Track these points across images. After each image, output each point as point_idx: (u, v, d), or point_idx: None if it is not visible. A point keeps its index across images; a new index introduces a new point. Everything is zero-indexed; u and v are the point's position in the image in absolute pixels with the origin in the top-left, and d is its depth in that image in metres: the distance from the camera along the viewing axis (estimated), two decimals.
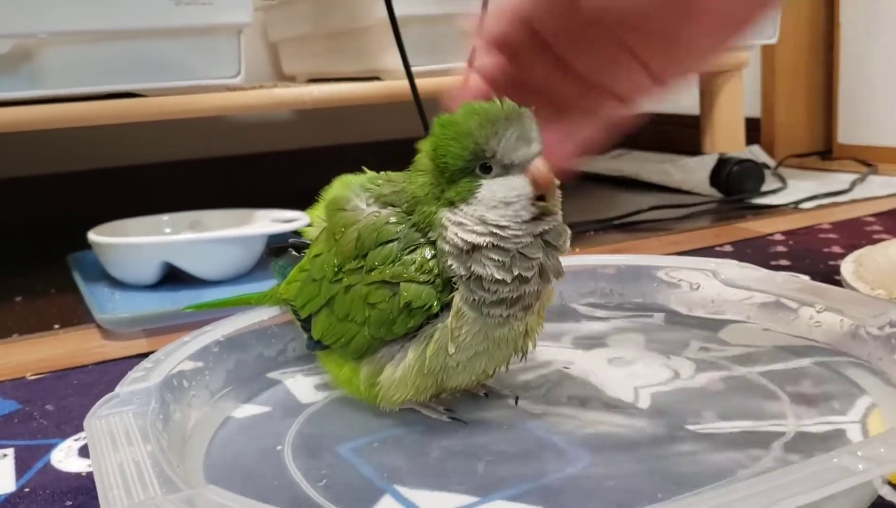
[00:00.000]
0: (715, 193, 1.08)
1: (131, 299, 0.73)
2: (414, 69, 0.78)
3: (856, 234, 0.86)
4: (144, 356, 0.45)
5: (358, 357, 0.42)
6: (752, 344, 0.51)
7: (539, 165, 0.37)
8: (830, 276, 0.67)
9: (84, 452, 0.45)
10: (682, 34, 0.40)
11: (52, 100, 0.74)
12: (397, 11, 0.77)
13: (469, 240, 0.38)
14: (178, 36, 0.78)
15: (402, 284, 0.39)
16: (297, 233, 0.52)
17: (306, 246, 0.48)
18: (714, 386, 0.45)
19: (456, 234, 0.38)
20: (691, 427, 0.41)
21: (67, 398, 0.53)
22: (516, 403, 0.44)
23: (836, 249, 0.80)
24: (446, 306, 0.39)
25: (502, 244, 0.38)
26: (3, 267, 0.92)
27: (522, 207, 0.38)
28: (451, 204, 0.39)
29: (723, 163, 1.07)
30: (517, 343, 0.42)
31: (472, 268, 0.38)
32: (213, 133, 1.19)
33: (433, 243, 0.39)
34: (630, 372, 0.48)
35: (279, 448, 0.41)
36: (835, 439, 0.39)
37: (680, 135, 1.44)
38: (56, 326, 0.70)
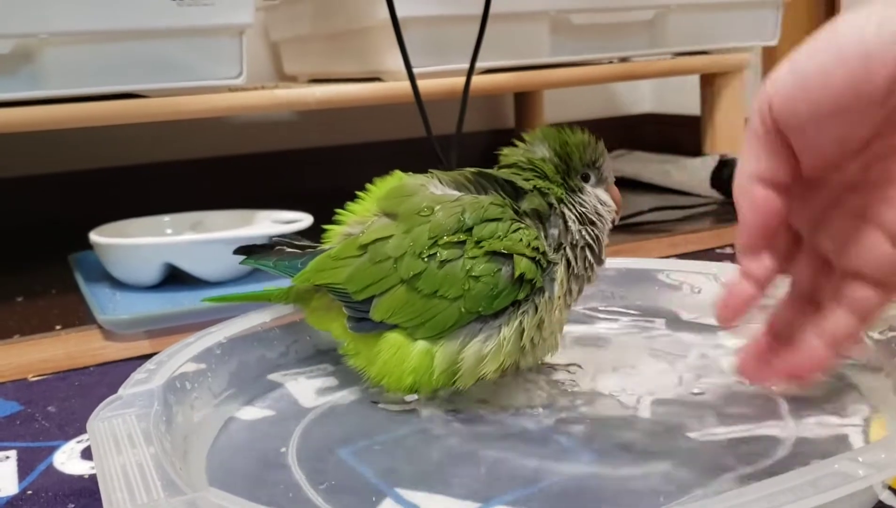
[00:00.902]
0: (716, 194, 1.08)
1: (132, 300, 0.73)
2: (415, 70, 0.79)
3: None
4: (146, 357, 0.45)
5: (436, 335, 0.42)
6: None
7: (617, 189, 0.47)
8: None
9: (86, 454, 0.45)
10: None
11: (53, 100, 0.73)
12: (399, 12, 0.77)
13: (590, 217, 0.45)
14: (180, 36, 0.78)
15: (515, 257, 0.42)
16: (277, 235, 0.53)
17: (290, 244, 0.50)
18: (715, 391, 0.45)
19: (582, 210, 0.45)
20: (692, 432, 0.41)
21: (69, 400, 0.54)
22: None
23: None
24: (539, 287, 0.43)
25: (600, 234, 0.45)
26: (5, 267, 0.92)
27: (608, 212, 0.46)
28: (574, 191, 0.45)
29: (724, 164, 1.07)
30: (560, 332, 0.46)
31: (586, 237, 0.44)
32: (214, 133, 1.19)
33: (543, 225, 0.44)
34: (631, 376, 0.48)
35: (283, 450, 0.41)
36: (836, 444, 0.39)
37: (681, 136, 1.44)
38: (57, 326, 0.70)
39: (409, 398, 0.44)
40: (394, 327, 0.44)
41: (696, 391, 0.46)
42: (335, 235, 0.48)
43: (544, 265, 0.43)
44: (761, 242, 0.38)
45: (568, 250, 0.44)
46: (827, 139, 0.35)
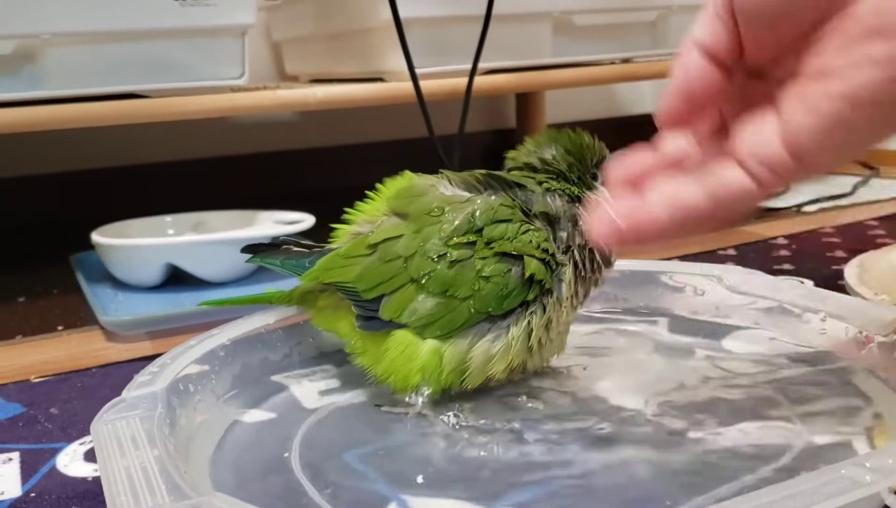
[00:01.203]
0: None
1: (134, 301, 0.73)
2: (418, 71, 0.78)
3: (859, 237, 0.86)
4: (148, 358, 0.45)
5: (445, 335, 0.43)
6: (757, 352, 0.51)
7: None
8: (834, 280, 0.67)
9: (90, 456, 0.45)
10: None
11: (55, 101, 0.73)
12: (401, 13, 0.77)
13: None
14: (182, 37, 0.77)
15: (525, 257, 0.42)
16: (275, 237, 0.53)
17: (297, 243, 0.51)
18: (719, 394, 0.45)
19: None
20: (696, 436, 0.41)
21: (72, 402, 0.53)
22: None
23: (839, 253, 0.80)
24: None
25: None
26: (6, 267, 0.92)
27: None
28: (590, 189, 0.45)
29: None
30: (567, 333, 0.46)
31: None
32: (216, 134, 1.18)
33: (552, 226, 0.44)
34: (635, 379, 0.48)
35: (286, 455, 0.41)
36: (840, 448, 0.39)
37: None
38: (59, 327, 0.70)
39: (411, 400, 0.44)
40: (402, 326, 0.44)
41: (699, 393, 0.46)
42: (344, 233, 0.48)
43: (553, 267, 0.43)
44: (681, 107, 0.35)
45: (576, 251, 0.44)
46: (772, 16, 0.33)
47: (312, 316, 0.50)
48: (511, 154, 0.47)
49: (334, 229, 0.49)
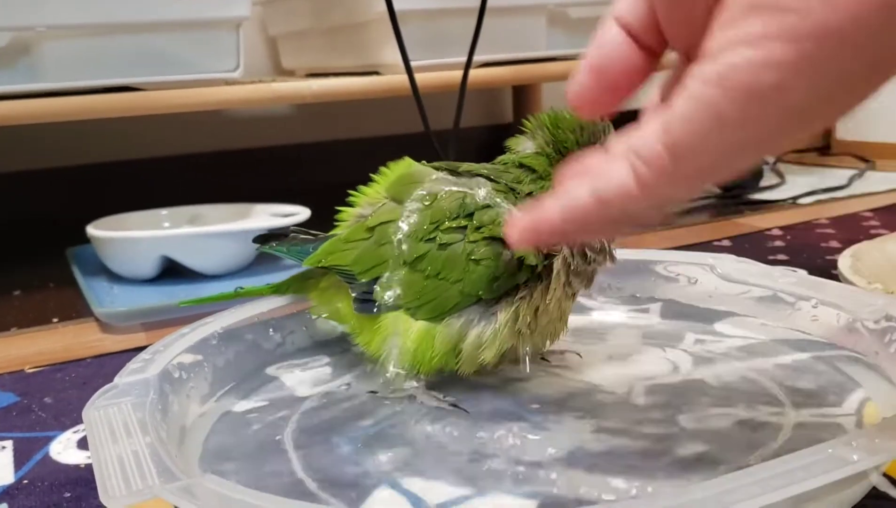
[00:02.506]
0: (713, 188, 1.08)
1: (130, 293, 0.73)
2: (413, 64, 0.79)
3: (853, 229, 0.87)
4: (143, 349, 0.45)
5: (437, 317, 0.43)
6: (748, 338, 0.51)
7: None
8: (828, 271, 0.67)
9: (82, 444, 0.45)
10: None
11: (50, 93, 0.74)
12: (396, 6, 0.77)
13: None
14: (177, 30, 0.78)
15: None
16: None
17: (305, 232, 0.52)
18: (710, 380, 0.46)
19: None
20: (687, 420, 0.41)
21: (66, 391, 0.54)
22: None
23: (834, 244, 0.80)
24: (535, 275, 0.43)
25: None
26: (2, 261, 0.92)
27: None
28: None
29: None
30: (563, 323, 0.46)
31: None
32: (211, 127, 1.19)
33: None
34: (627, 365, 0.48)
35: (278, 438, 0.41)
36: (830, 431, 0.39)
37: None
38: (55, 319, 0.70)
39: (407, 386, 0.45)
40: (396, 308, 0.44)
41: (690, 378, 0.46)
42: (349, 216, 0.49)
43: (544, 251, 0.43)
44: (593, 86, 0.31)
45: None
46: None
47: (313, 300, 0.50)
48: (503, 158, 0.47)
49: (334, 217, 0.50)
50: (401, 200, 0.46)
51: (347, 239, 0.47)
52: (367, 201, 0.48)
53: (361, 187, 0.49)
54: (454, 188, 0.45)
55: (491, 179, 0.45)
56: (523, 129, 0.47)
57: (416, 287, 0.43)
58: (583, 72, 0.31)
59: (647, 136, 0.27)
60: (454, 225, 0.43)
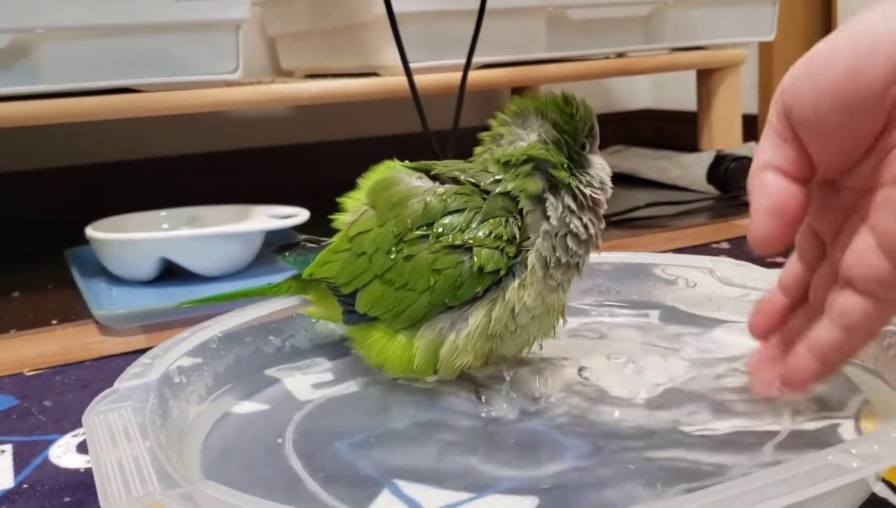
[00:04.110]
0: (712, 189, 1.08)
1: (129, 295, 0.73)
2: (412, 65, 0.79)
3: None
4: (142, 351, 0.45)
5: (411, 326, 0.43)
6: (747, 343, 0.51)
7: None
8: None
9: (82, 448, 0.45)
10: None
11: (49, 95, 0.74)
12: (395, 7, 0.77)
13: (595, 197, 0.43)
14: (176, 31, 0.78)
15: (474, 248, 0.42)
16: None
17: (317, 240, 0.51)
18: (709, 384, 0.46)
19: (584, 192, 0.43)
20: (686, 424, 0.41)
21: (65, 394, 0.54)
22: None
23: None
24: (508, 273, 0.43)
25: (599, 209, 0.44)
26: (1, 262, 0.92)
27: (609, 175, 0.45)
28: (581, 167, 0.44)
29: (720, 160, 1.07)
30: (557, 316, 0.46)
31: (570, 224, 0.42)
32: (211, 128, 1.19)
33: (511, 212, 0.42)
34: (626, 370, 0.48)
35: (279, 440, 0.42)
36: (829, 436, 0.39)
37: (677, 131, 1.44)
38: (53, 321, 0.70)
39: (430, 379, 0.46)
40: (376, 319, 0.45)
41: (689, 383, 0.46)
42: (341, 224, 0.49)
43: (511, 253, 0.42)
44: (777, 227, 0.35)
45: (540, 239, 0.43)
46: (830, 129, 0.33)
47: (313, 302, 0.50)
48: (485, 135, 0.45)
49: (330, 222, 0.50)
50: (374, 207, 0.45)
51: (335, 250, 0.47)
52: (353, 207, 0.48)
53: (348, 193, 0.49)
54: (421, 193, 0.44)
55: (458, 182, 0.44)
56: (500, 121, 0.45)
57: (389, 299, 0.43)
58: (763, 217, 0.35)
59: (870, 259, 0.33)
60: (417, 235, 0.43)
